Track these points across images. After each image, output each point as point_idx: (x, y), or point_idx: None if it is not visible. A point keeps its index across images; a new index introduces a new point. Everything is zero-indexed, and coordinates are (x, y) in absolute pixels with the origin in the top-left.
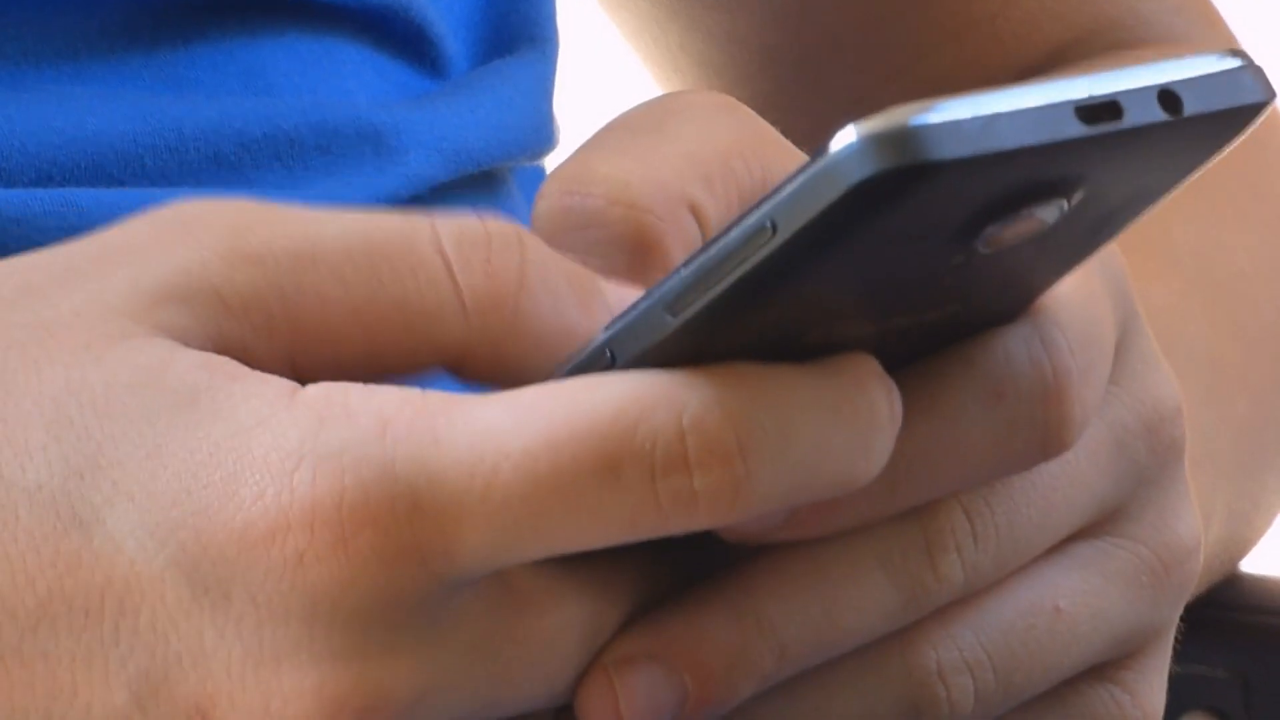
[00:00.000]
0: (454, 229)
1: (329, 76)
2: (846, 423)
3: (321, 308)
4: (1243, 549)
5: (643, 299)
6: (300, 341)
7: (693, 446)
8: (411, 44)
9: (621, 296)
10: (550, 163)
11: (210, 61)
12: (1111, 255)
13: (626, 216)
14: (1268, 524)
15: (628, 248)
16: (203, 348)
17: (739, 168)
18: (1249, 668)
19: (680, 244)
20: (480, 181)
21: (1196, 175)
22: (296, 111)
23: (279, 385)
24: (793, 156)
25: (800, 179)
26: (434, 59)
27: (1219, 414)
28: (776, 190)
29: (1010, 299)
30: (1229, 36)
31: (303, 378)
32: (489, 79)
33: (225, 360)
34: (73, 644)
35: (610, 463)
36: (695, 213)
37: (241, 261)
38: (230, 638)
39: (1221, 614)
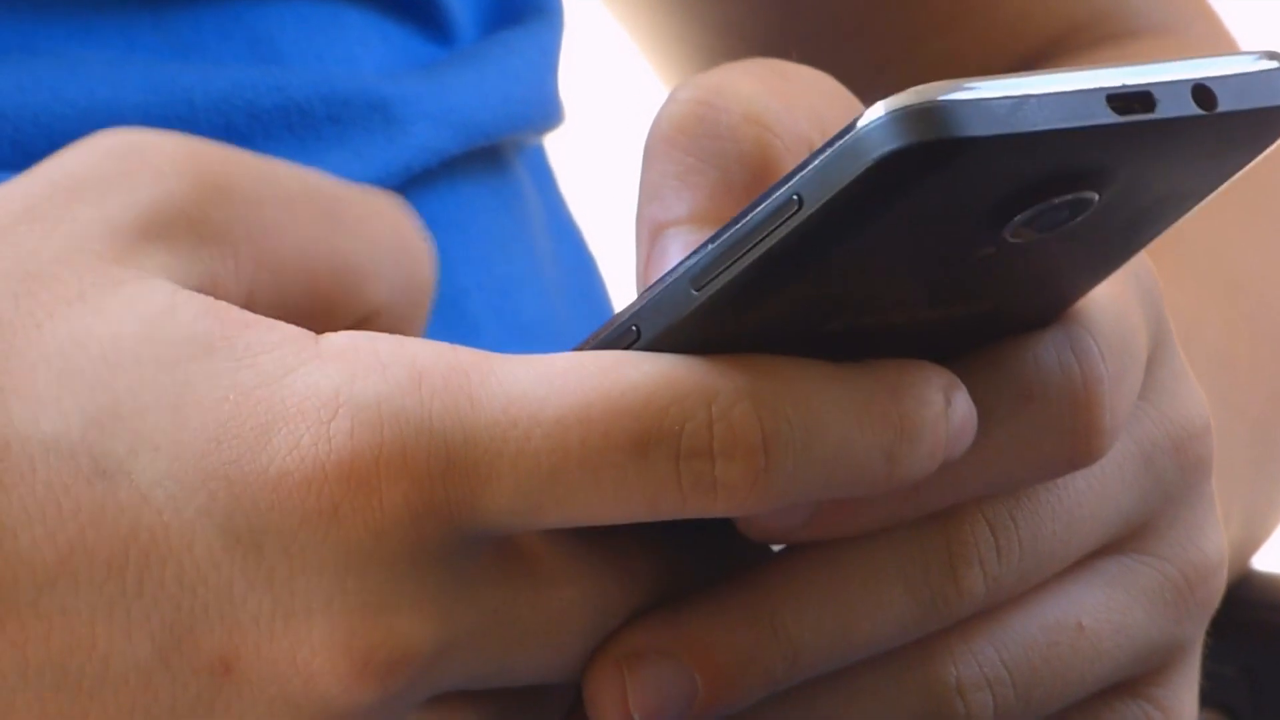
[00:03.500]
0: (391, 204)
1: (336, 43)
2: (873, 427)
3: (279, 244)
4: (1255, 547)
5: (669, 274)
6: (258, 275)
7: (718, 434)
8: (419, 9)
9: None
10: (553, 142)
11: (217, 26)
12: (1145, 268)
13: (759, 136)
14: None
15: (751, 166)
16: (183, 282)
17: None
18: (1258, 665)
19: None
20: (487, 157)
21: (1230, 181)
22: (307, 82)
23: (294, 332)
24: None
25: (827, 153)
26: (441, 25)
27: (1233, 415)
28: (803, 165)
29: (1043, 303)
30: (1223, 28)
31: (254, 311)
32: (496, 50)
33: (224, 305)
34: (94, 597)
35: (639, 440)
36: None
37: (212, 191)
38: (261, 589)
39: (1231, 611)
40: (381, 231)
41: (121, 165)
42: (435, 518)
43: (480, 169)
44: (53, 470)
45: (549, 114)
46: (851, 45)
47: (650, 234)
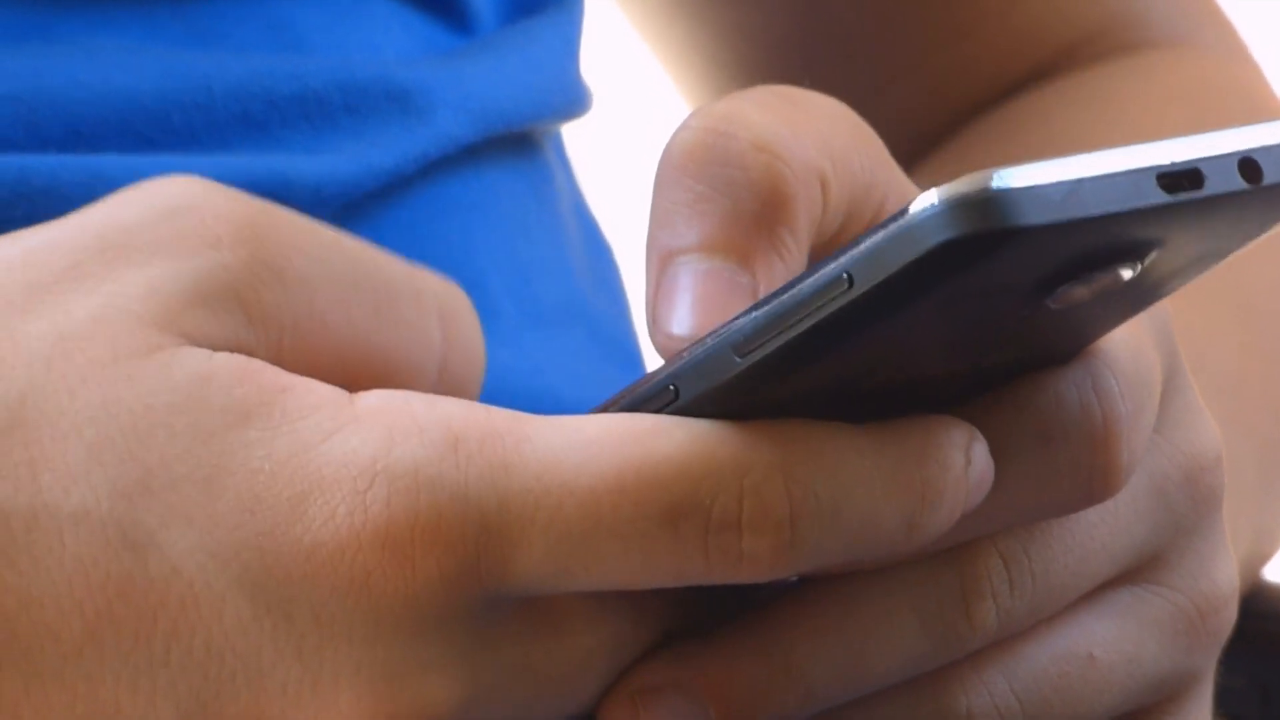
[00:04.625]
0: (452, 298)
1: (356, 31)
2: (897, 496)
3: (323, 333)
4: (1265, 562)
5: (711, 336)
6: (297, 361)
7: (748, 509)
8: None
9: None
10: (579, 127)
11: (237, 14)
12: (1158, 302)
13: (769, 165)
14: None
15: (761, 195)
16: (218, 347)
17: (855, 163)
18: (1268, 676)
19: (806, 209)
20: (514, 142)
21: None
22: (325, 70)
23: (330, 394)
24: (894, 171)
25: (880, 235)
26: (462, 15)
27: (1243, 434)
28: (855, 244)
29: (1066, 345)
30: (1235, 35)
31: None
32: (516, 39)
33: (261, 366)
34: (119, 665)
35: (670, 512)
36: (823, 186)
37: (265, 273)
38: (290, 657)
39: (1241, 623)
40: (429, 328)
41: (176, 227)
42: (466, 582)
43: (507, 154)
44: (82, 543)
45: (572, 101)
46: (864, 55)
47: (660, 261)
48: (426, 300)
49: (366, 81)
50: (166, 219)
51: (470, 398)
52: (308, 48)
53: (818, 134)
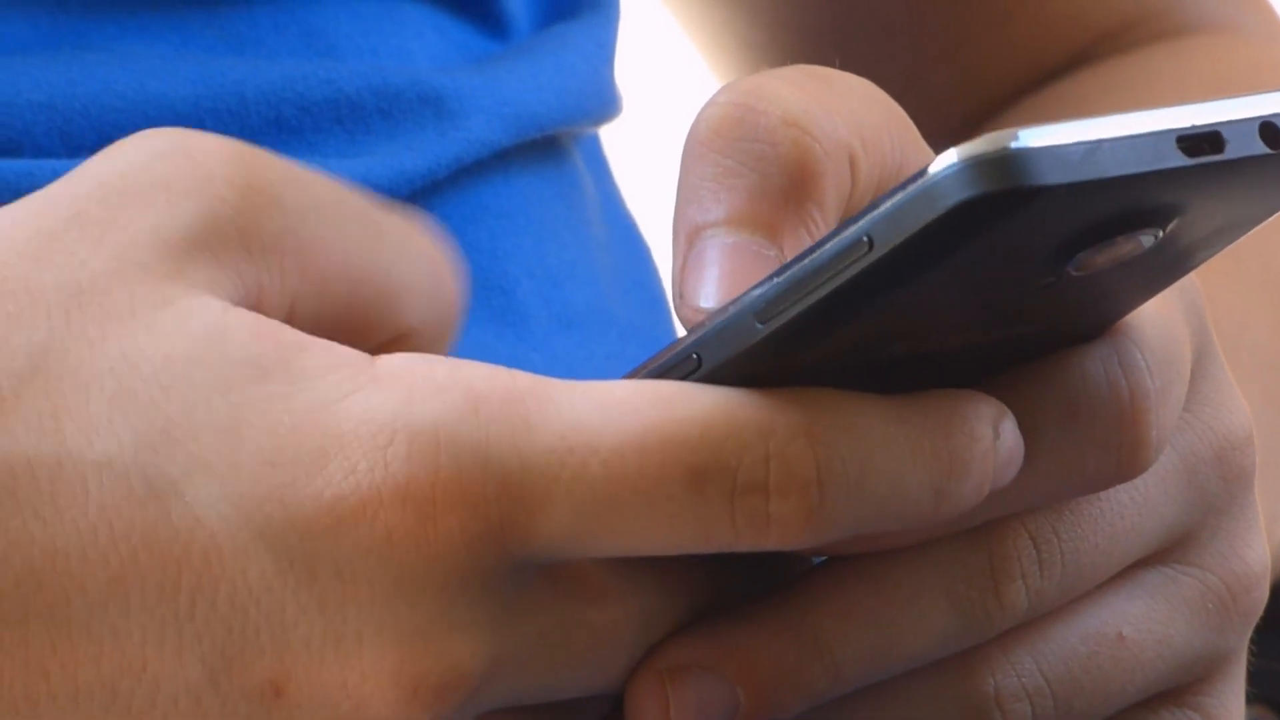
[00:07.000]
0: (412, 220)
1: (390, 36)
2: (924, 465)
3: (324, 257)
4: None
5: (733, 304)
6: (302, 288)
7: (774, 471)
8: (475, 5)
9: None
10: (610, 132)
11: (272, 21)
12: (1188, 278)
13: (798, 140)
14: None
15: (789, 170)
16: (230, 294)
17: (886, 143)
18: None
19: (835, 186)
20: (543, 147)
21: None
22: (358, 75)
23: (350, 354)
24: (925, 152)
25: (899, 196)
26: (496, 19)
27: None
28: (874, 206)
29: (1092, 319)
30: (1276, 22)
31: (295, 325)
32: (550, 43)
33: (276, 325)
34: (145, 619)
35: (695, 474)
36: (853, 165)
37: (261, 201)
38: (313, 613)
39: (1277, 607)
40: (417, 252)
41: (171, 169)
42: (489, 544)
43: (535, 159)
44: (105, 492)
45: (604, 105)
46: (902, 41)
47: (687, 236)
48: (405, 223)
49: (400, 85)
50: (159, 160)
51: (451, 317)
52: (341, 54)
53: (848, 112)
